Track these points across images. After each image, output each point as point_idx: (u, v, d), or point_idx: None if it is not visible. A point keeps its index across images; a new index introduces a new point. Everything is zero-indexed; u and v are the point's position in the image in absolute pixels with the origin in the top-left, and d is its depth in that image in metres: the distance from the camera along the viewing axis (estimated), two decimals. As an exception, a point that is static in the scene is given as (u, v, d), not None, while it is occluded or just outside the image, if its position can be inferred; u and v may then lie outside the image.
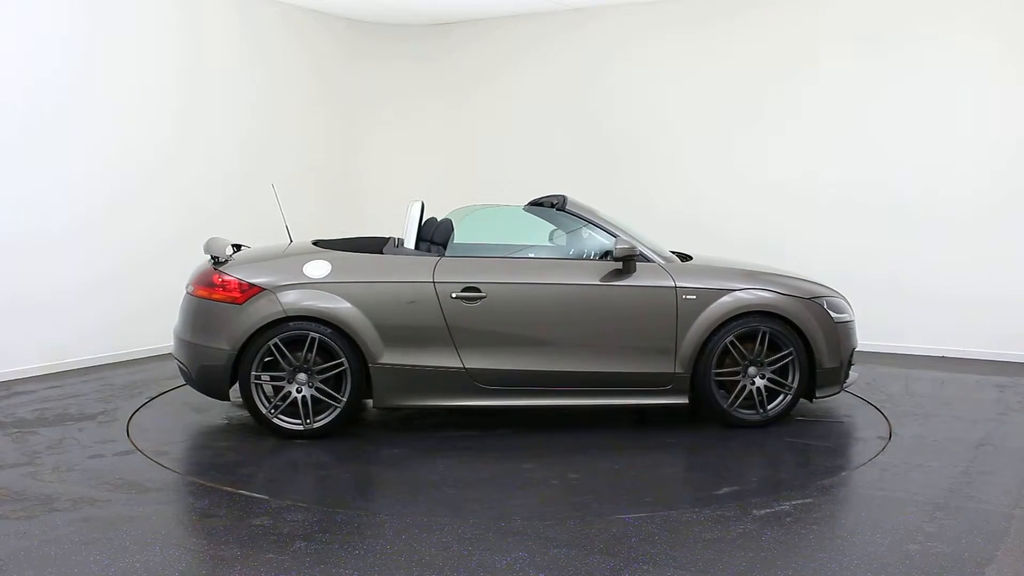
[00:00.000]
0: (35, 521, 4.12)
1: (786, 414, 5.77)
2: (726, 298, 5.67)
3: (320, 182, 9.74)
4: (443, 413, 6.07)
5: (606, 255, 5.77)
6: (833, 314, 5.81)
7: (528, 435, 5.58)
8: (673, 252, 6.15)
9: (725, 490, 4.55)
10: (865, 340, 8.03)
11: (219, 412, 6.14)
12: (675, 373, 5.63)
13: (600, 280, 5.65)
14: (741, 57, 8.56)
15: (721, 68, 8.66)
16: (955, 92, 7.72)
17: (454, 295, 5.50)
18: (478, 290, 5.52)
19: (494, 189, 9.28)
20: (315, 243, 6.20)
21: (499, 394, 5.60)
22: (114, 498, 4.43)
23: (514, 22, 9.69)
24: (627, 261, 5.63)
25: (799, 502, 4.35)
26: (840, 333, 5.83)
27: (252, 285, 5.54)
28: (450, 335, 5.51)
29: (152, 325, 7.98)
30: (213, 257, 5.75)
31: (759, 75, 8.50)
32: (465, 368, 5.52)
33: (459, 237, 6.06)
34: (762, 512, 4.22)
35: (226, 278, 5.60)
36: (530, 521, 4.12)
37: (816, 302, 5.81)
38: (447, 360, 5.52)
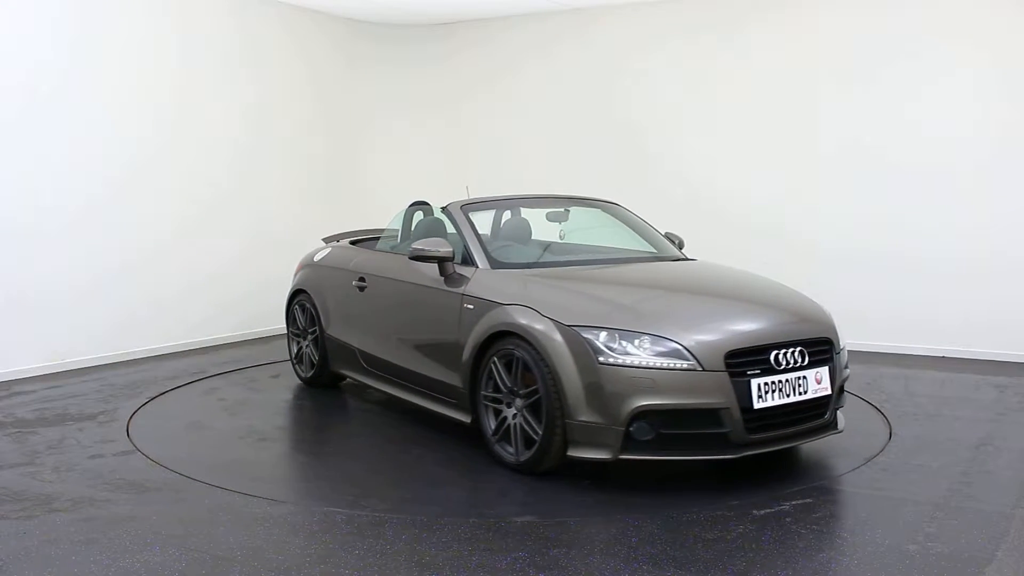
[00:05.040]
0: (35, 521, 4.12)
1: (545, 466, 4.62)
2: (492, 311, 4.93)
3: (321, 183, 9.73)
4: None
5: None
6: (611, 355, 4.37)
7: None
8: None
9: (725, 490, 4.54)
10: (865, 339, 8.10)
11: (219, 412, 6.14)
12: (458, 387, 5.15)
13: (417, 280, 5.58)
14: (741, 58, 8.57)
15: (722, 68, 8.67)
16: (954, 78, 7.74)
17: (354, 283, 6.25)
18: (364, 280, 6.17)
19: (495, 191, 9.28)
20: (352, 242, 7.00)
21: (374, 376, 6.12)
22: (114, 498, 4.43)
23: (516, 22, 9.69)
24: (440, 264, 5.32)
25: (799, 502, 4.35)
26: (609, 380, 4.34)
27: (299, 265, 7.15)
28: (352, 318, 6.31)
29: (152, 325, 7.99)
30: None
31: (758, 75, 8.50)
32: (356, 348, 6.24)
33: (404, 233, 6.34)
34: (762, 512, 4.22)
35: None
36: (530, 521, 4.12)
37: (573, 331, 4.48)
38: (352, 339, 6.30)
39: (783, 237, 8.43)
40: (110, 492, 4.51)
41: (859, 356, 7.88)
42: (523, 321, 4.68)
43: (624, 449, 4.37)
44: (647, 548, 3.81)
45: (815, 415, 4.70)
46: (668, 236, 6.25)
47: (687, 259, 5.97)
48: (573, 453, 4.50)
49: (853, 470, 4.86)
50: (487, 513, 4.24)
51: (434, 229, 6.00)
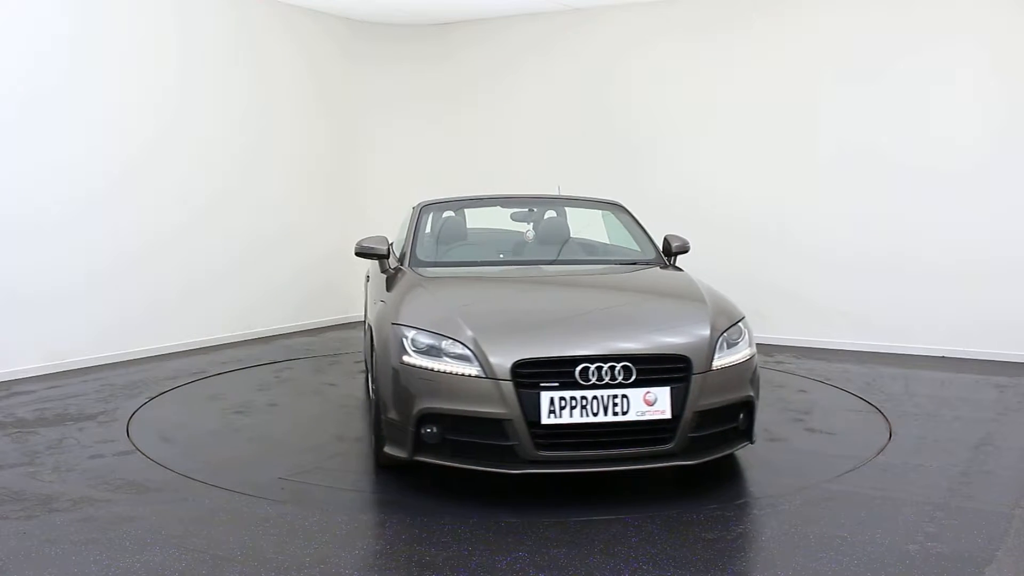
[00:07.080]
0: (35, 521, 4.12)
1: (382, 460, 4.67)
2: (375, 307, 5.03)
3: (321, 183, 9.73)
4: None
5: None
6: (412, 355, 4.33)
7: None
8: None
9: (725, 490, 4.54)
10: (865, 339, 8.11)
11: (219, 412, 6.14)
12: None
13: (373, 276, 5.93)
14: (741, 57, 8.57)
15: (721, 68, 8.67)
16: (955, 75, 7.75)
17: (366, 275, 6.64)
18: (368, 277, 6.53)
19: (494, 190, 9.27)
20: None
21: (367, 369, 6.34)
22: (114, 498, 4.43)
23: (515, 22, 9.69)
24: (379, 260, 5.62)
25: (799, 502, 4.35)
26: (405, 379, 4.32)
27: None
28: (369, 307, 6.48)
29: (152, 324, 7.99)
30: None
31: (758, 75, 8.50)
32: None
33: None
34: (762, 512, 4.22)
35: None
36: (530, 521, 4.12)
37: (392, 328, 4.50)
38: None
39: (783, 238, 8.43)
40: (110, 492, 4.51)
41: (859, 356, 7.90)
42: (373, 317, 4.92)
43: (416, 450, 4.33)
44: (647, 548, 3.81)
45: (651, 440, 4.22)
46: (668, 239, 5.84)
47: (673, 267, 5.65)
48: (386, 449, 4.52)
49: (853, 470, 4.85)
50: (487, 513, 4.25)
51: (456, 228, 6.03)
